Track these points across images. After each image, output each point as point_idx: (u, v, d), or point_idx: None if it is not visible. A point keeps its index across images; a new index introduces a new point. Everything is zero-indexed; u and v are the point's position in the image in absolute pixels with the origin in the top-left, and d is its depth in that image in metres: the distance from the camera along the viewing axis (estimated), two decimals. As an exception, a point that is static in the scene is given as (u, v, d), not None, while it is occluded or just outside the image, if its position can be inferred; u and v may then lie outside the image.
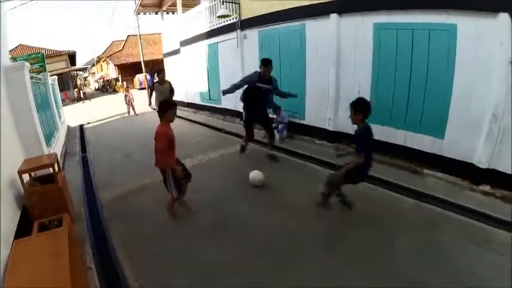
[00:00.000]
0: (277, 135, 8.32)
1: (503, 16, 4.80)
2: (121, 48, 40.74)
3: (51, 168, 4.93)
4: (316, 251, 4.06)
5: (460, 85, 5.57)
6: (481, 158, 5.42)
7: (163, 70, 8.71)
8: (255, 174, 5.93)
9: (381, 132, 6.90)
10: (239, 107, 11.32)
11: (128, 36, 41.32)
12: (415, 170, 6.25)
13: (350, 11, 7.21)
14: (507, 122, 5.04)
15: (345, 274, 3.58)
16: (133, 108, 17.15)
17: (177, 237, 4.49)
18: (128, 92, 17.45)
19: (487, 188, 5.37)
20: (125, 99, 17.22)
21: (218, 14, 10.82)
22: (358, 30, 7.12)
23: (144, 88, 22.99)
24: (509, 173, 5.11)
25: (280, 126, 8.72)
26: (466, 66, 5.43)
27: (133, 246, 4.35)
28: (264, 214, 5.04)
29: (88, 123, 15.61)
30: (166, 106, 4.48)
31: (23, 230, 3.96)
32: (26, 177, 4.67)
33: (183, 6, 16.04)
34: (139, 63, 22.70)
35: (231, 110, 11.98)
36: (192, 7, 15.08)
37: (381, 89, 6.88)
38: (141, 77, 27.15)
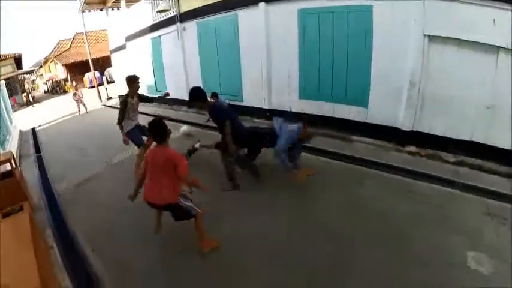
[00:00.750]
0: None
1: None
2: (68, 47, 39.33)
3: (8, 165, 5.43)
4: (246, 208, 4.77)
5: (378, 59, 6.37)
6: (404, 122, 6.15)
7: (137, 79, 6.48)
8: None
9: (311, 106, 7.75)
10: (185, 96, 11.89)
11: (75, 34, 40.10)
12: (344, 137, 7.00)
13: None
14: (426, 89, 5.79)
15: (270, 226, 4.28)
16: (84, 106, 17.09)
17: (122, 211, 5.05)
18: (77, 90, 17.33)
19: (412, 148, 6.00)
20: (74, 97, 17.05)
21: (157, 9, 11.29)
22: (285, 16, 7.85)
23: (94, 86, 22.90)
24: (432, 133, 5.88)
25: None
26: (383, 41, 6.21)
27: (87, 222, 4.95)
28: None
29: (39, 125, 15.56)
30: (165, 127, 3.59)
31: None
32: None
33: (126, 2, 16.22)
34: (88, 61, 22.56)
35: (178, 99, 12.53)
36: (136, 2, 15.24)
37: (307, 69, 7.69)
38: (90, 76, 26.83)
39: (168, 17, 11.95)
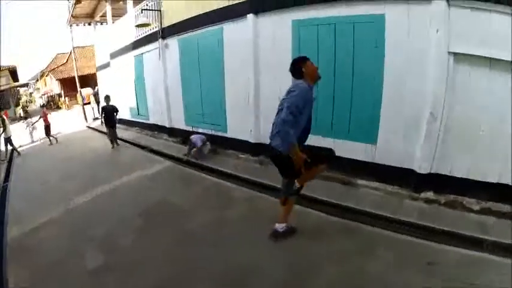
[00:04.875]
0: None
1: (439, 1, 4.49)
2: (65, 62, 38.59)
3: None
4: None
5: (391, 82, 5.21)
6: (421, 163, 5.07)
7: None
8: None
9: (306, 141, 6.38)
10: (166, 122, 10.58)
11: (73, 48, 39.35)
12: (347, 181, 5.75)
13: (267, 9, 6.74)
14: (449, 122, 4.76)
15: None
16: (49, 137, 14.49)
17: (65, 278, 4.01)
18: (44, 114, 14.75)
19: (429, 194, 4.97)
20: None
21: (136, 23, 9.99)
22: (276, 29, 6.68)
23: (88, 103, 21.80)
24: (454, 175, 4.89)
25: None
26: (398, 60, 5.08)
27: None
28: (158, 250, 4.38)
29: (20, 146, 14.37)
30: None
31: None
32: None
33: (113, 16, 15.07)
34: (86, 76, 21.68)
35: (159, 125, 11.23)
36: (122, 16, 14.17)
37: None
38: (84, 92, 25.63)
39: (150, 32, 10.70)
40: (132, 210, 5.56)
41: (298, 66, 3.78)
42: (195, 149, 7.95)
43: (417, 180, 5.09)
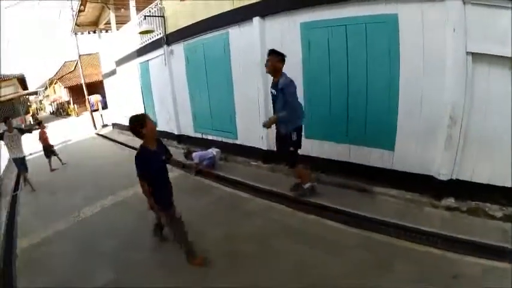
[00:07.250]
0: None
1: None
2: (73, 69, 38.66)
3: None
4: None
5: (407, 85, 4.91)
6: (441, 169, 4.76)
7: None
8: None
9: (319, 147, 6.22)
10: (175, 129, 10.37)
11: (80, 55, 39.14)
12: (363, 188, 5.43)
13: (274, 12, 6.48)
14: (469, 126, 4.47)
15: None
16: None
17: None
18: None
19: (450, 201, 4.70)
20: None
21: (139, 30, 9.79)
22: (284, 32, 6.41)
23: (97, 110, 21.69)
24: (475, 181, 4.59)
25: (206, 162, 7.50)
26: (413, 61, 4.77)
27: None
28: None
29: (30, 154, 14.16)
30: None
31: None
32: None
33: (117, 23, 14.98)
34: (94, 83, 21.72)
35: (168, 132, 10.97)
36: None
37: (314, 97, 6.12)
38: (92, 99, 25.59)
39: (155, 39, 10.52)
40: (144, 223, 5.23)
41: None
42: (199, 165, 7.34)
43: (437, 187, 4.83)
